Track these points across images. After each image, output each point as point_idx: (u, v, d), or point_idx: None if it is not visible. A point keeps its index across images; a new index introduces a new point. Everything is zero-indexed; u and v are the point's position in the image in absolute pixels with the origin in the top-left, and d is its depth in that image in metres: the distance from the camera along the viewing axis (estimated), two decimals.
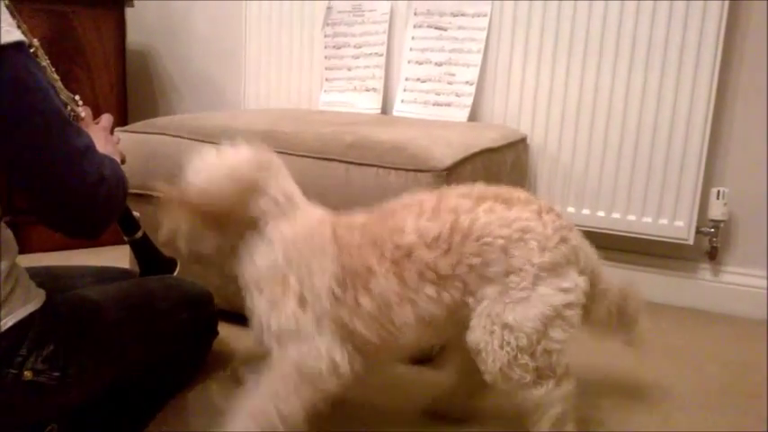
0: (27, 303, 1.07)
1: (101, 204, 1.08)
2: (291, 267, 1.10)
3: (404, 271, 1.10)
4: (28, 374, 1.05)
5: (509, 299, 1.08)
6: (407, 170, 1.45)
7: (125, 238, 1.49)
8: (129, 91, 2.52)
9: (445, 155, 1.48)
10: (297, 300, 1.09)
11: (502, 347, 1.08)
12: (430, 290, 1.10)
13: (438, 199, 1.15)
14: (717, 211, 1.99)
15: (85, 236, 1.12)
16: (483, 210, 1.11)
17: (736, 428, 1.31)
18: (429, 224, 1.11)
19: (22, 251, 1.12)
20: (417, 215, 1.12)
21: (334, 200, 1.52)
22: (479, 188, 1.17)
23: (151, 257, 1.52)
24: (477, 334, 1.10)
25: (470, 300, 1.10)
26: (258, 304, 1.12)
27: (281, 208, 1.13)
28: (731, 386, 1.54)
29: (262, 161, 1.15)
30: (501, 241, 1.09)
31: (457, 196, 1.14)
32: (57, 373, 1.08)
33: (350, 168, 1.51)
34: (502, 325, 1.08)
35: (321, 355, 1.09)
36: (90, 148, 1.06)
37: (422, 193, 1.19)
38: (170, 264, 1.55)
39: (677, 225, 1.97)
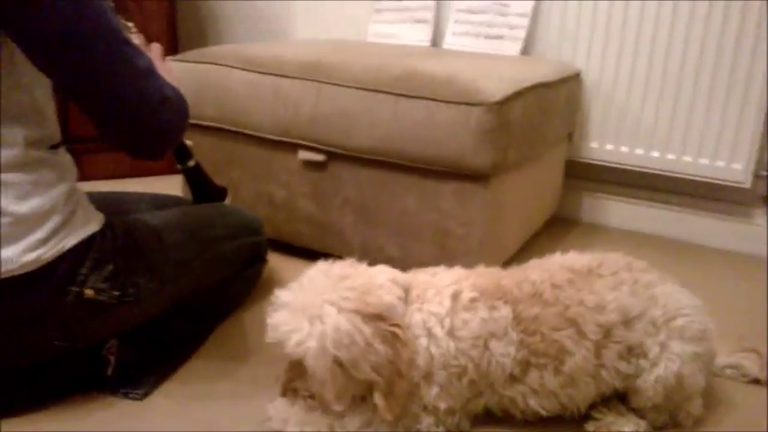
0: (87, 224, 1.11)
1: (164, 125, 1.10)
2: (466, 356, 1.07)
3: (602, 349, 1.09)
4: (89, 293, 1.09)
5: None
6: (458, 103, 1.43)
7: (178, 167, 1.52)
8: (179, 20, 2.52)
9: (497, 88, 1.45)
10: (468, 383, 1.08)
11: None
12: (622, 365, 1.10)
13: (628, 269, 1.15)
14: None
15: (150, 156, 1.15)
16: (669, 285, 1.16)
17: None
18: (631, 300, 1.11)
19: (81, 179, 1.15)
20: (614, 287, 1.12)
21: (382, 133, 1.52)
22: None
23: (203, 185, 1.55)
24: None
25: (642, 362, 1.11)
26: (426, 393, 1.08)
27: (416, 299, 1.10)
28: None
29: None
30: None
31: (643, 270, 1.17)
32: (117, 292, 1.12)
33: (399, 101, 1.49)
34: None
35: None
36: (152, 69, 1.08)
37: (600, 255, 1.20)
38: (221, 192, 1.58)
39: (734, 168, 1.90)
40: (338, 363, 1.01)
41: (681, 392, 1.11)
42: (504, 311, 1.08)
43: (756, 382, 1.31)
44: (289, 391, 1.10)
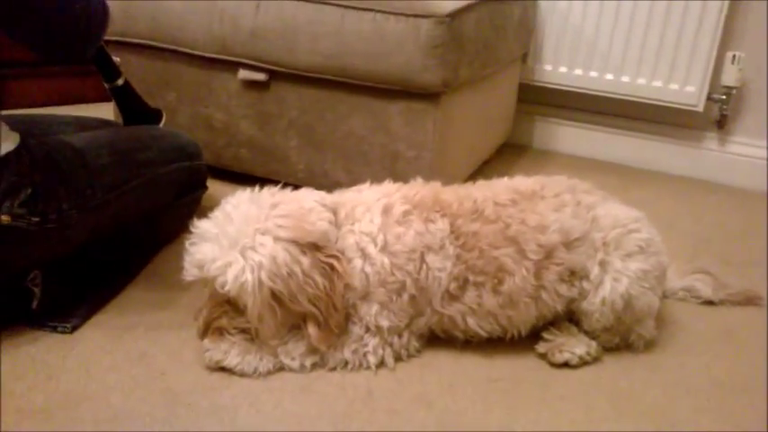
0: None
1: (76, 14, 1.02)
2: (402, 271, 1.02)
3: (542, 270, 1.05)
4: (5, 218, 1.01)
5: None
6: (407, 15, 1.35)
7: (106, 86, 1.40)
8: None
9: (448, 1, 1.37)
10: (409, 299, 1.04)
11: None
12: (563, 288, 1.07)
13: (571, 191, 1.12)
14: (731, 76, 1.89)
15: (68, 55, 1.07)
16: (610, 204, 1.14)
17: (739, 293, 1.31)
18: (573, 222, 1.07)
19: (6, 106, 1.05)
20: (556, 209, 1.08)
21: (327, 48, 1.43)
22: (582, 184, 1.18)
23: (135, 107, 1.44)
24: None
25: (585, 284, 1.09)
26: (366, 312, 1.03)
27: (344, 220, 1.05)
28: (731, 255, 1.52)
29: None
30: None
31: (586, 192, 1.14)
32: (36, 218, 1.04)
33: (345, 13, 1.39)
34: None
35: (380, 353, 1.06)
36: None
37: (543, 178, 1.17)
38: (155, 114, 1.47)
39: (688, 90, 1.87)
40: (275, 296, 0.96)
41: (630, 314, 1.09)
42: (441, 224, 1.05)
43: (709, 303, 1.31)
44: (213, 330, 1.03)
